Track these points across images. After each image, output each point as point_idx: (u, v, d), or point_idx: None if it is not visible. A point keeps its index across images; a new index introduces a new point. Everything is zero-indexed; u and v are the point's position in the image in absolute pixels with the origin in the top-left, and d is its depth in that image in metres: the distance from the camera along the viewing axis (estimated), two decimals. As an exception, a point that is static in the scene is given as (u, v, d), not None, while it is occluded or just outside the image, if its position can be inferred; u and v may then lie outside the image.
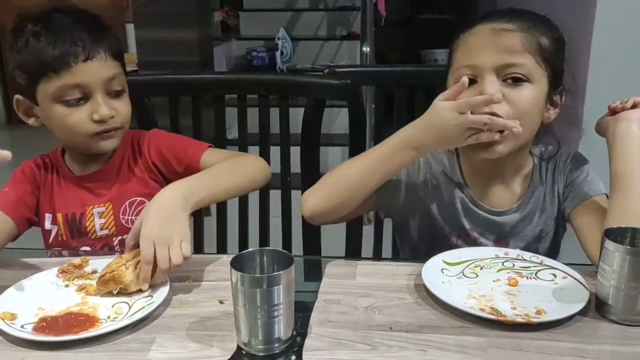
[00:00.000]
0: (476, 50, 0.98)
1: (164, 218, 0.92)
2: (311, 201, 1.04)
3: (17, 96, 1.08)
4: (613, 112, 1.03)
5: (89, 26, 1.06)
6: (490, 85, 0.96)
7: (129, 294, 0.89)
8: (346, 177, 1.03)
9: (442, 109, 0.94)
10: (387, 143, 1.00)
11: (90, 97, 1.05)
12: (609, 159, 0.99)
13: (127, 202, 1.14)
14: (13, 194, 1.12)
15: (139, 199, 1.14)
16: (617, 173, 0.96)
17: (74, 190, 1.15)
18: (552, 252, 1.09)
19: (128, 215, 1.13)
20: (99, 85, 1.05)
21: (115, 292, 0.88)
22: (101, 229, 1.13)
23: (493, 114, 0.94)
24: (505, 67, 0.97)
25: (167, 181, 1.13)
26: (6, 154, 0.87)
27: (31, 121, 1.10)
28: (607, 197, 1.01)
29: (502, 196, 1.09)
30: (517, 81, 0.97)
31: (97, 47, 1.04)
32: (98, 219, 1.13)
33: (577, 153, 1.11)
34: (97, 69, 1.04)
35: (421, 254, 1.06)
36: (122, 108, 1.09)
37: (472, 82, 0.98)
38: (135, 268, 0.90)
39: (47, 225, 1.14)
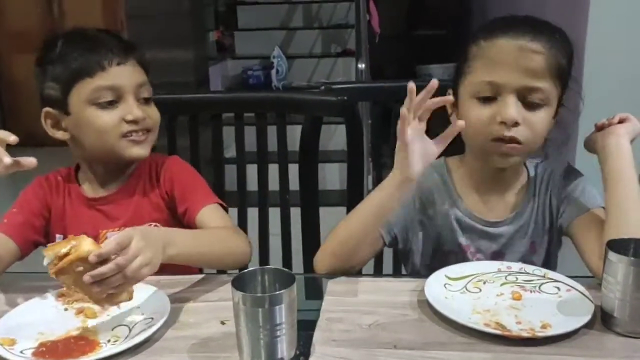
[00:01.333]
0: (500, 68, 0.98)
1: (152, 240, 0.88)
2: (322, 261, 1.04)
3: (47, 109, 1.10)
4: (600, 129, 1.05)
5: (119, 38, 1.12)
6: (512, 107, 0.97)
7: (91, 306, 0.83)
8: (348, 226, 1.03)
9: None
10: (377, 187, 1.01)
11: (122, 100, 1.08)
12: (601, 172, 1.01)
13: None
14: (20, 216, 1.12)
15: (153, 224, 1.12)
16: (612, 185, 0.98)
17: (86, 213, 1.14)
18: (548, 265, 1.09)
19: None
20: (131, 89, 1.08)
21: (65, 250, 0.79)
22: None
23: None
24: (527, 90, 0.97)
25: (175, 212, 1.14)
26: (31, 160, 0.89)
27: (59, 134, 1.11)
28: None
29: (498, 207, 1.09)
30: (535, 103, 0.98)
31: (128, 55, 1.09)
32: None
33: (570, 166, 1.12)
34: (129, 73, 1.09)
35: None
36: (152, 112, 1.12)
37: (491, 99, 0.99)
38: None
39: None
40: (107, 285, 0.81)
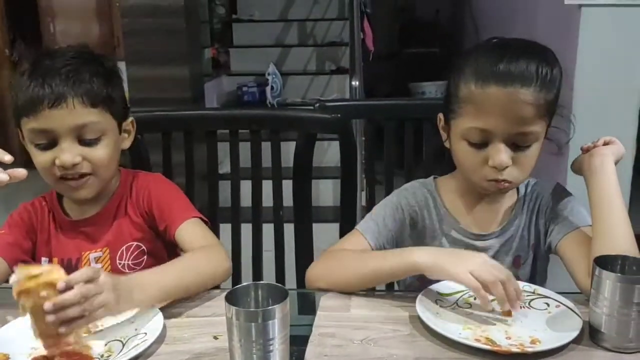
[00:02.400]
0: (491, 115, 0.97)
1: (117, 283, 0.85)
2: (313, 282, 1.06)
3: (19, 129, 1.08)
4: (586, 151, 1.08)
5: (69, 70, 1.02)
6: (502, 154, 0.98)
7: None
8: (350, 268, 1.03)
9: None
10: (395, 258, 0.99)
11: (57, 143, 1.03)
12: (587, 191, 1.03)
13: (123, 247, 1.12)
14: (9, 237, 1.11)
15: (135, 243, 1.12)
16: (597, 202, 1.00)
17: (69, 235, 1.13)
18: (534, 280, 1.10)
19: (125, 260, 1.12)
20: (66, 132, 1.02)
21: (36, 272, 0.78)
22: None
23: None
24: (517, 135, 0.98)
25: (157, 230, 1.13)
26: (20, 171, 0.87)
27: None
28: None
29: (486, 222, 1.11)
30: (526, 145, 1.00)
31: (66, 94, 1.00)
32: (94, 264, 1.11)
33: (559, 186, 1.14)
34: (64, 116, 1.01)
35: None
36: (95, 155, 1.05)
37: (482, 144, 1.00)
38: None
39: None
40: (62, 317, 0.78)
